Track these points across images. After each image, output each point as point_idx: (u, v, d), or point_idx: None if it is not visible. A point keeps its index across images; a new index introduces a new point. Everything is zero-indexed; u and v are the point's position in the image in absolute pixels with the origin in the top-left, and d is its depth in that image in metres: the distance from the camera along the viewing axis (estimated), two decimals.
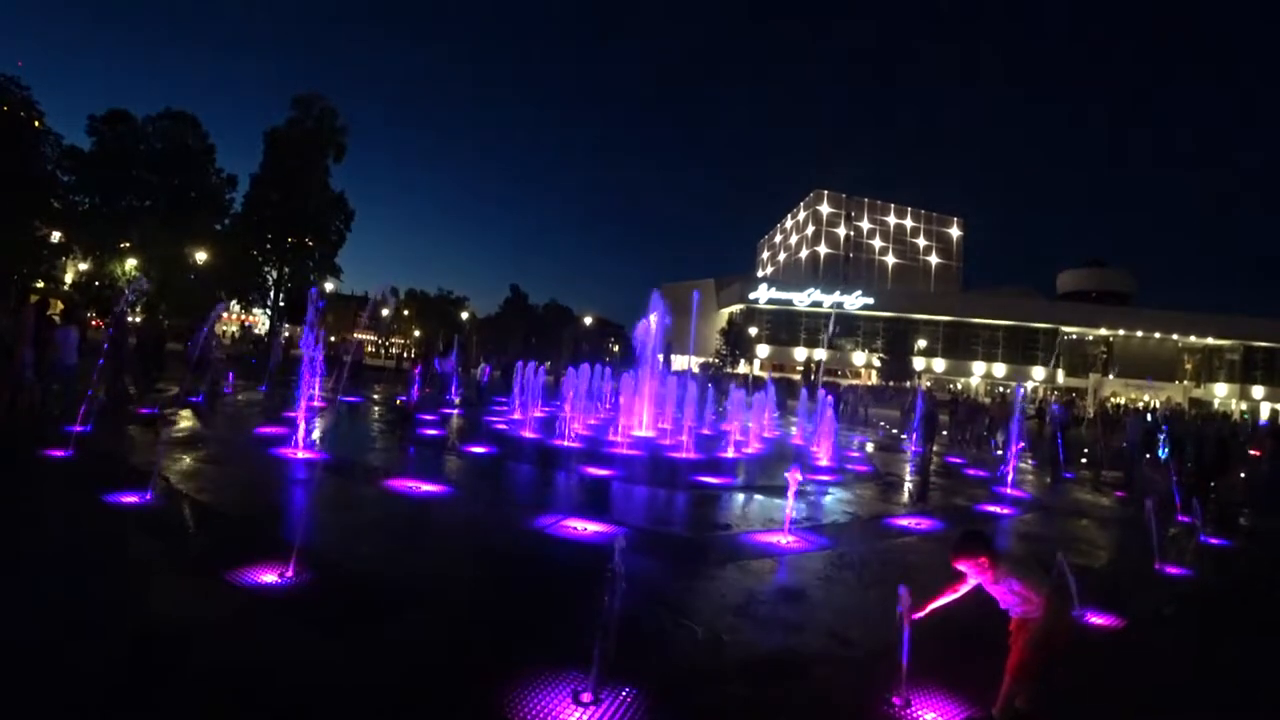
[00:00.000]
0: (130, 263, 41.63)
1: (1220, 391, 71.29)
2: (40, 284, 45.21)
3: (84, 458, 8.16)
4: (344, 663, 3.96)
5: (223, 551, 5.52)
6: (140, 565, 5.23)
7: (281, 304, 46.53)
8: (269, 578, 4.92)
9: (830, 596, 5.97)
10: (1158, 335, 71.79)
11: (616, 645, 3.72)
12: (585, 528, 7.22)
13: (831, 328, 67.10)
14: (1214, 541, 9.97)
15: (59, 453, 8.22)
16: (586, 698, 3.62)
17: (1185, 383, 72.18)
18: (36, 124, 37.56)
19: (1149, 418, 23.99)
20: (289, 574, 4.96)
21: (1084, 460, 19.14)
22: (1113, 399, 61.49)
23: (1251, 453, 22.05)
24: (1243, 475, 16.21)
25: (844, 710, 3.98)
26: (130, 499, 6.54)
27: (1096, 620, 5.81)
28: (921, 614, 3.97)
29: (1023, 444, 16.85)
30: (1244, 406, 66.64)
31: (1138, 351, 71.93)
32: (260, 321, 62.44)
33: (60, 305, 48.69)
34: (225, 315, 58.85)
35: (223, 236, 44.00)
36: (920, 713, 3.87)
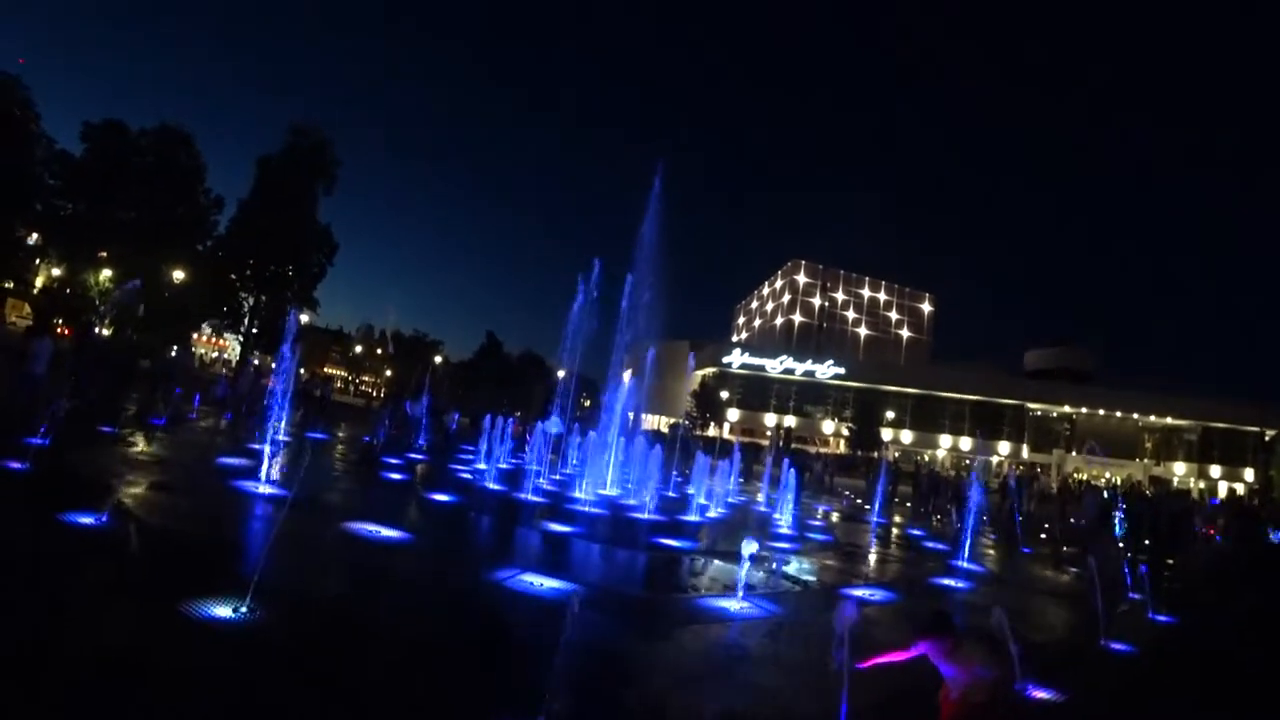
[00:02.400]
0: (105, 273, 41.10)
1: (1179, 470, 72.87)
2: (9, 285, 44.43)
3: (40, 472, 8.04)
4: (296, 704, 3.96)
5: (177, 581, 5.47)
6: (91, 589, 5.18)
7: (255, 331, 46.07)
8: (223, 611, 4.90)
9: (780, 663, 6.05)
10: (1119, 414, 73.58)
11: (567, 701, 3.78)
12: (543, 583, 7.24)
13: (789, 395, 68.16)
14: (1162, 619, 10.20)
15: (15, 465, 8.10)
16: None
17: (1145, 460, 73.73)
18: (31, 125, 37.50)
19: (1105, 494, 24.54)
20: (243, 609, 4.95)
21: (1043, 535, 19.47)
22: (1075, 475, 62.54)
23: (1206, 531, 22.55)
24: (1197, 553, 16.56)
25: None
26: (85, 519, 6.46)
27: (1039, 694, 5.94)
28: (866, 665, 4.08)
29: (985, 517, 17.13)
30: (1202, 485, 68.06)
31: (1100, 428, 73.48)
32: (231, 347, 61.59)
33: (26, 307, 47.79)
34: (197, 338, 58.02)
35: (202, 258, 43.73)
36: None
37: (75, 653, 4.15)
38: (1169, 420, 73.99)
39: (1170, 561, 13.81)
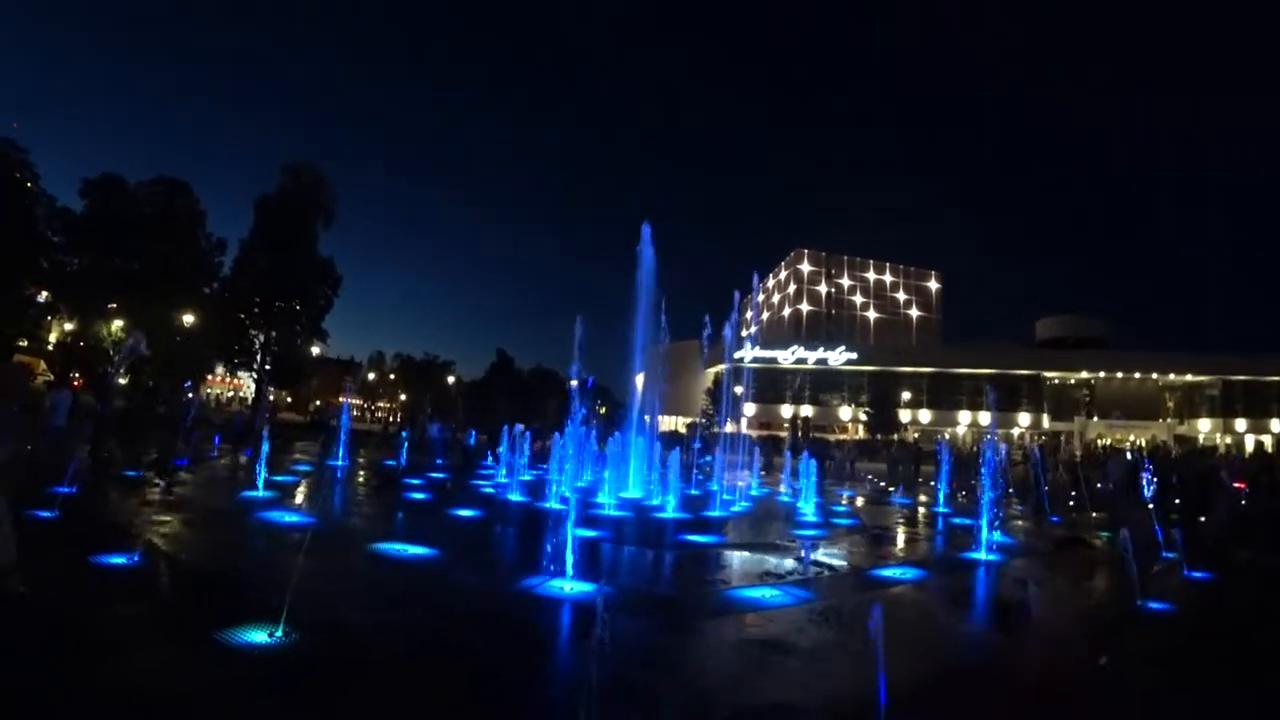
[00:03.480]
0: (116, 324, 41.62)
1: (1204, 427, 71.99)
2: (24, 343, 45.02)
3: (70, 519, 8.15)
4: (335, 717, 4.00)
5: (210, 612, 5.53)
6: (127, 624, 5.25)
7: (268, 367, 46.46)
8: (258, 638, 4.95)
9: (816, 648, 6.02)
10: (1137, 376, 72.86)
11: (604, 701, 3.79)
12: (572, 587, 7.25)
13: (798, 384, 68.12)
14: (1197, 576, 10.10)
15: (45, 513, 8.21)
16: None
17: (1169, 420, 72.96)
18: (29, 185, 38.05)
19: (1129, 457, 24.27)
20: (277, 634, 4.99)
21: (1071, 503, 19.30)
22: (1099, 440, 61.96)
23: (1236, 485, 22.23)
24: (1229, 509, 16.31)
25: None
26: (117, 560, 6.54)
27: (1080, 658, 5.90)
28: None
29: (1010, 490, 17.02)
30: (1228, 440, 67.25)
31: (1119, 393, 72.85)
32: (246, 385, 62.09)
33: (42, 365, 48.47)
34: (211, 379, 58.54)
35: (210, 300, 44.20)
36: None
37: (113, 682, 4.22)
38: (1189, 378, 73.17)
39: (1202, 519, 13.66)
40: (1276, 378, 69.70)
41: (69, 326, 43.34)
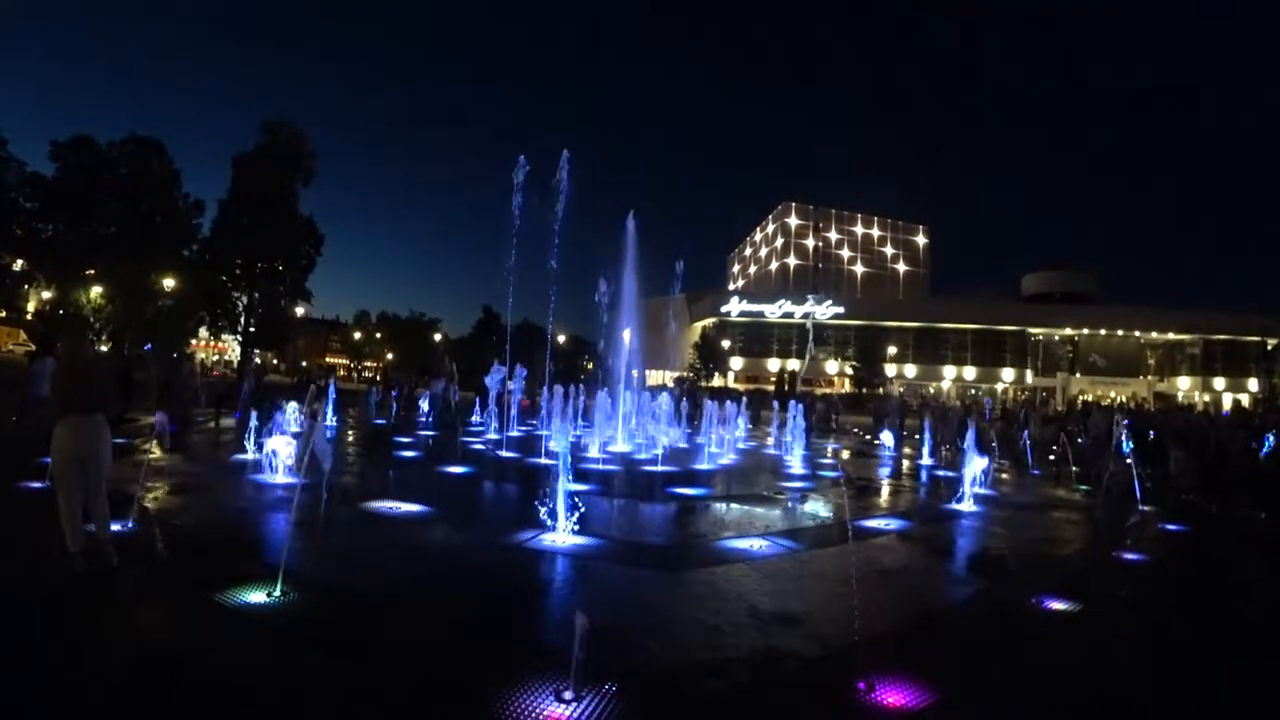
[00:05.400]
0: (95, 290, 41.04)
1: (1184, 384, 73.23)
2: (2, 313, 44.38)
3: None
4: (337, 670, 4.11)
5: (208, 574, 5.60)
6: (128, 589, 5.33)
7: (252, 330, 46.08)
8: (257, 597, 5.05)
9: (801, 596, 6.19)
10: (1120, 333, 73.66)
11: (597, 647, 3.91)
12: (565, 540, 7.38)
13: (810, 343, 68.33)
14: (1171, 527, 10.43)
15: (35, 484, 8.22)
16: (568, 695, 3.80)
17: (1149, 377, 74.07)
18: None
19: (1110, 413, 24.70)
20: (275, 593, 5.09)
21: (1051, 457, 19.70)
22: (1081, 396, 62.92)
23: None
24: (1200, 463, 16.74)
25: (815, 695, 4.21)
26: (113, 527, 6.56)
27: (1055, 604, 6.10)
28: None
29: (993, 444, 17.33)
30: (1206, 398, 68.49)
31: (1102, 349, 73.74)
32: (230, 348, 61.60)
33: (22, 334, 47.89)
34: (195, 343, 58.01)
35: (191, 263, 43.58)
36: (885, 695, 4.10)
37: (119, 642, 4.31)
38: (1170, 335, 74.11)
39: (1178, 474, 14.07)
40: (1256, 337, 70.71)
41: (47, 295, 42.67)
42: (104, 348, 39.81)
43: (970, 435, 12.46)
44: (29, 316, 44.67)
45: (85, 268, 40.57)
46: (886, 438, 22.36)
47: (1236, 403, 64.09)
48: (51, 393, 6.19)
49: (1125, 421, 19.03)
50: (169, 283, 40.90)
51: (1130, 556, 8.37)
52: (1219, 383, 71.72)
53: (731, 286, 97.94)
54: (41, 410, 11.93)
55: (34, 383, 12.24)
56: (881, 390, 56.79)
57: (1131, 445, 14.98)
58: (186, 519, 7.62)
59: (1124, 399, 59.95)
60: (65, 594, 5.11)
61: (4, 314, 44.06)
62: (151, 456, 10.25)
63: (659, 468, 14.09)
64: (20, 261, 40.54)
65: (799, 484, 13.25)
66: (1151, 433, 18.90)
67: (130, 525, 6.72)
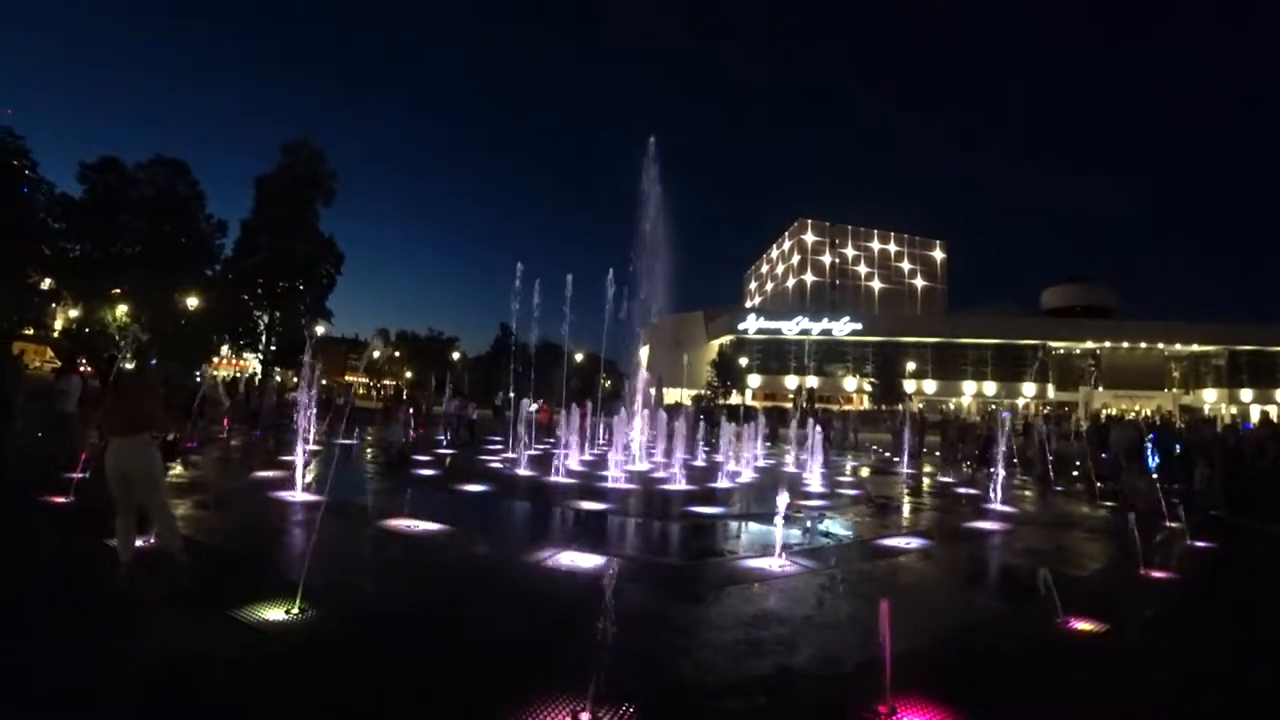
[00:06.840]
0: (121, 309, 41.71)
1: (1210, 397, 71.94)
2: (30, 331, 45.20)
3: (84, 503, 8.26)
4: (354, 689, 4.10)
5: (228, 591, 5.63)
6: (148, 605, 5.37)
7: (273, 348, 46.63)
8: (275, 615, 5.07)
9: (821, 616, 6.12)
10: (1143, 345, 72.64)
11: (614, 668, 3.88)
12: (581, 560, 7.36)
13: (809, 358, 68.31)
14: (1200, 545, 10.21)
15: (59, 499, 8.33)
16: (585, 716, 3.77)
17: (1174, 390, 72.88)
18: (28, 173, 37.88)
19: (1134, 428, 24.32)
20: (294, 610, 5.10)
21: (1074, 473, 19.41)
22: (1104, 410, 61.98)
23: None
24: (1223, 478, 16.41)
25: (834, 718, 4.15)
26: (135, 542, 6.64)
27: (1082, 625, 5.98)
28: None
29: (1014, 460, 17.13)
30: (1234, 410, 67.24)
31: (1125, 363, 72.73)
32: (251, 366, 62.26)
33: (49, 352, 48.73)
34: (217, 361, 58.77)
35: (214, 282, 44.24)
36: (906, 717, 4.03)
37: (139, 655, 4.34)
38: (1194, 347, 72.97)
39: (1200, 490, 13.80)
40: None
41: (74, 313, 43.41)
42: (128, 365, 40.39)
43: (993, 451, 12.30)
44: (56, 334, 45.44)
45: (111, 286, 41.27)
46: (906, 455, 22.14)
47: (1264, 414, 62.88)
48: (89, 412, 6.56)
49: (1150, 435, 18.74)
50: (192, 301, 41.51)
51: (1157, 574, 8.19)
52: (1246, 394, 70.38)
53: (749, 304, 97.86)
54: (69, 427, 12.21)
55: (63, 399, 12.46)
56: (900, 407, 56.35)
57: (1157, 459, 14.74)
58: (211, 536, 7.68)
59: (1149, 412, 58.92)
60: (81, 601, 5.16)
61: (32, 332, 44.82)
62: (174, 472, 10.36)
63: (677, 486, 14.04)
64: (49, 280, 41.32)
65: (818, 502, 13.13)
66: (1178, 446, 18.57)
67: (151, 540, 6.78)
